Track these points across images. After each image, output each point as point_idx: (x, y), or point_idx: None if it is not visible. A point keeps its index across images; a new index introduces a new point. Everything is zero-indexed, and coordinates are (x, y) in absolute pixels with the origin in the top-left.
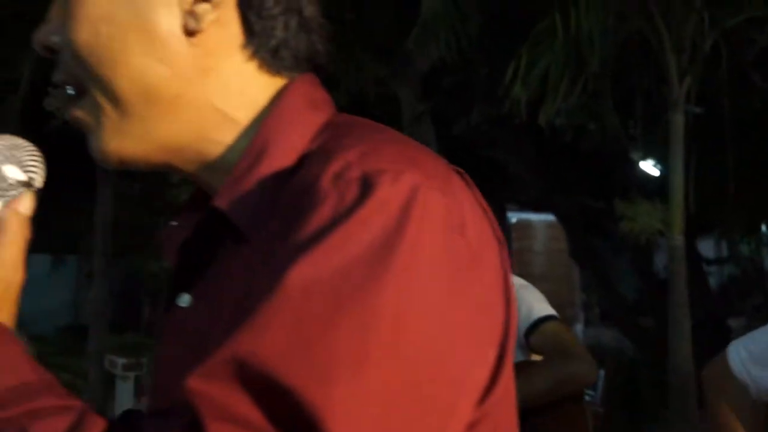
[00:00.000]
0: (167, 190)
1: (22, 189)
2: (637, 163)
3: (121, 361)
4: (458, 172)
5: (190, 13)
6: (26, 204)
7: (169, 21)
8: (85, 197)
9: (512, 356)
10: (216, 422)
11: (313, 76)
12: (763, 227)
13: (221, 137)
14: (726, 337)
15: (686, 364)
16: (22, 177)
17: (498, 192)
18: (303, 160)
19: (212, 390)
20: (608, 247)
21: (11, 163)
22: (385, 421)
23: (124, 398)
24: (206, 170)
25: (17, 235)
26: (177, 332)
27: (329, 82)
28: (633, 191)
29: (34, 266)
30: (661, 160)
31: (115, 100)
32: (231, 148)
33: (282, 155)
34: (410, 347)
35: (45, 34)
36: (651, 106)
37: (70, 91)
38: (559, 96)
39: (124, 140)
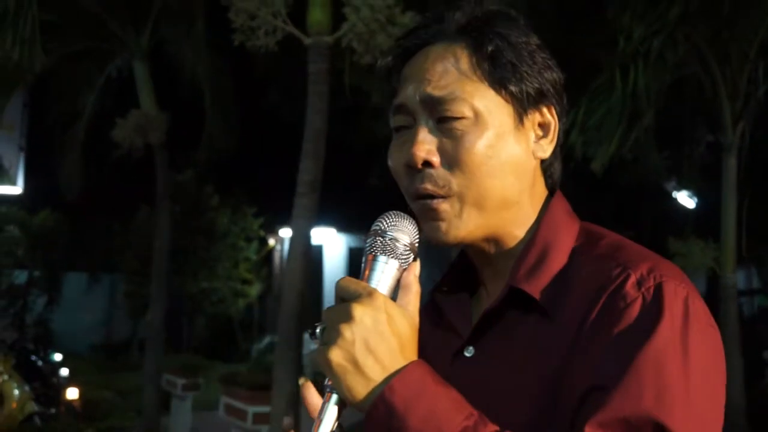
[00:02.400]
0: (203, 214)
1: (411, 254)
2: (671, 195)
3: (180, 381)
4: None
5: (538, 143)
6: (417, 269)
7: (527, 149)
8: (119, 218)
9: None
10: None
11: (560, 191)
12: None
13: (516, 231)
14: (762, 370)
15: (737, 397)
16: (413, 246)
17: None
18: (574, 257)
19: None
20: None
21: (404, 233)
22: None
23: (182, 417)
24: (498, 253)
25: (417, 295)
26: (468, 375)
27: None
28: (687, 229)
29: (71, 285)
30: (698, 192)
31: (481, 204)
32: (517, 239)
33: (562, 254)
34: (712, 395)
35: (427, 153)
36: (691, 140)
37: (430, 198)
38: (614, 143)
39: (472, 230)
